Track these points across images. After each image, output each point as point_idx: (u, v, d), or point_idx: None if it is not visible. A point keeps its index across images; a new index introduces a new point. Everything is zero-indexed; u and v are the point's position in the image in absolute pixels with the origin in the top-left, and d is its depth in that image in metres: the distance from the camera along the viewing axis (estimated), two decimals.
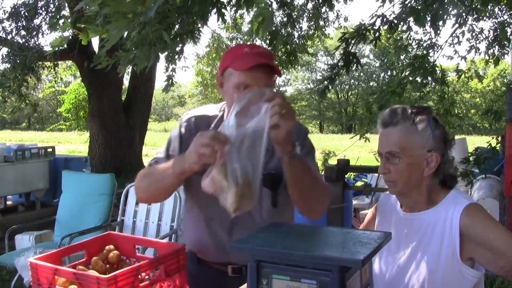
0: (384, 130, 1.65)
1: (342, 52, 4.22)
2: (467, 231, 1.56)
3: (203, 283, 1.90)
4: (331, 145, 22.64)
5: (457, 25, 4.75)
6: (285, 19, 6.53)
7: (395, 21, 4.12)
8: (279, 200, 1.80)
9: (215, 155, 1.45)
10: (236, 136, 1.42)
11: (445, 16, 3.92)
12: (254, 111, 1.43)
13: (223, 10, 2.45)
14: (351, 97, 49.01)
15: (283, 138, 1.49)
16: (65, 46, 9.00)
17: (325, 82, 4.31)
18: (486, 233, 1.53)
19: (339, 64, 4.23)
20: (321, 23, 10.34)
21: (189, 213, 1.98)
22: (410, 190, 1.65)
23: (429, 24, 3.74)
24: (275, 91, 1.53)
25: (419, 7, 3.47)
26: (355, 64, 4.11)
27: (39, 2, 8.88)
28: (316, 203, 1.78)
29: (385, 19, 4.08)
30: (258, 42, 11.06)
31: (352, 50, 4.25)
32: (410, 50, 7.41)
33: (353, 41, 4.20)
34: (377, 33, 4.20)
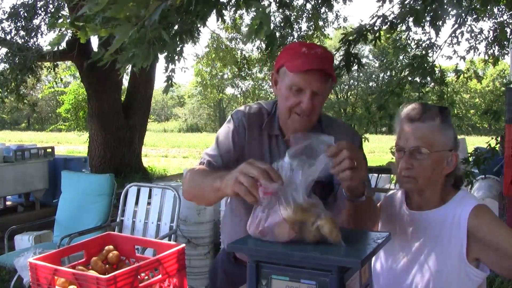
0: (410, 125, 1.64)
1: (343, 53, 4.21)
2: (475, 231, 1.56)
3: (238, 281, 1.89)
4: None
5: (456, 25, 4.76)
6: (282, 22, 6.54)
7: (395, 21, 4.11)
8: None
9: (253, 190, 1.30)
10: (289, 179, 1.28)
11: (444, 16, 3.92)
12: (308, 153, 1.32)
13: (222, 10, 2.45)
14: (350, 97, 49.00)
15: (356, 187, 1.46)
16: (65, 46, 9.02)
17: None
18: (493, 234, 1.54)
19: (340, 64, 4.22)
20: (321, 23, 10.35)
21: (233, 212, 1.95)
22: (427, 187, 1.65)
23: (428, 24, 3.74)
24: (340, 143, 1.38)
25: (418, 7, 3.48)
26: (356, 65, 4.09)
27: (38, 3, 8.88)
28: (369, 228, 1.71)
29: (386, 20, 4.08)
30: (257, 42, 11.09)
31: (353, 51, 4.24)
32: (409, 50, 7.41)
33: (354, 43, 4.19)
34: (377, 33, 4.19)
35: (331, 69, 1.67)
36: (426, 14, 3.42)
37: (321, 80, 1.65)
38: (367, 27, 4.13)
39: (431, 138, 1.61)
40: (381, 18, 4.08)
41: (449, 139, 1.63)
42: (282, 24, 7.00)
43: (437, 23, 3.69)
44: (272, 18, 8.83)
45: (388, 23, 4.08)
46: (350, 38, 4.12)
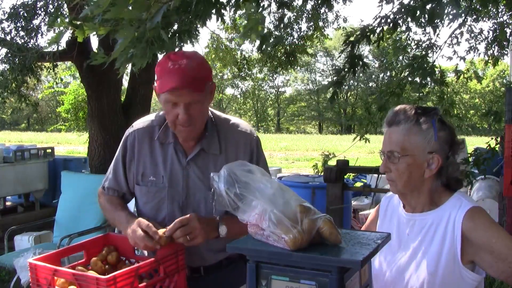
0: (388, 129, 1.64)
1: (347, 55, 4.19)
2: (469, 234, 1.55)
3: None
4: (330, 146, 22.68)
5: (456, 26, 4.76)
6: (277, 22, 6.53)
7: (396, 21, 4.11)
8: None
9: (147, 247, 1.67)
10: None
11: (442, 15, 3.91)
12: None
13: (222, 10, 2.44)
14: (350, 97, 49.05)
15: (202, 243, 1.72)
16: (64, 46, 9.02)
17: (331, 88, 4.28)
18: (488, 237, 1.53)
19: (345, 68, 4.20)
20: (320, 24, 10.34)
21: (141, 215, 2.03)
22: (411, 190, 1.64)
23: (428, 25, 3.73)
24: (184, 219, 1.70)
25: (416, 5, 3.47)
26: (361, 67, 4.08)
27: (38, 3, 8.88)
28: None
29: (388, 20, 4.07)
30: (257, 43, 11.09)
31: (357, 53, 4.22)
32: (409, 50, 7.41)
33: (359, 44, 4.17)
34: (381, 34, 4.18)
35: (196, 82, 1.71)
36: (424, 13, 3.41)
37: (189, 92, 1.71)
38: (370, 28, 4.12)
39: (404, 142, 1.59)
40: (384, 19, 4.07)
41: (427, 141, 1.58)
42: (275, 26, 6.99)
43: (435, 21, 3.68)
44: (272, 18, 8.83)
45: (391, 24, 4.06)
46: (352, 39, 4.11)
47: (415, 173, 1.60)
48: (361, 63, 4.07)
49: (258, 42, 2.62)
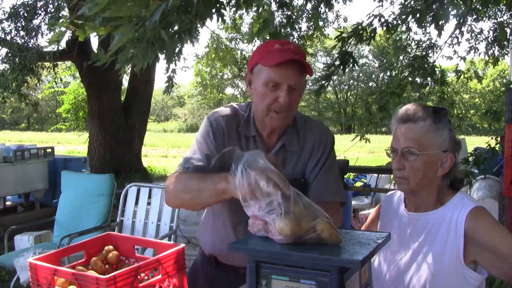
0: (403, 126, 1.63)
1: (338, 51, 4.23)
2: (472, 234, 1.55)
3: (222, 286, 1.87)
4: None
5: (457, 25, 4.75)
6: (284, 21, 6.53)
7: (394, 22, 4.11)
8: None
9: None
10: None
11: (448, 16, 3.92)
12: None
13: (222, 10, 2.45)
14: (350, 97, 48.99)
15: None
16: (65, 46, 9.02)
17: (322, 81, 4.30)
18: (490, 236, 1.53)
19: (335, 63, 4.22)
20: (321, 23, 10.35)
21: (214, 218, 1.92)
22: (422, 188, 1.64)
23: (430, 25, 3.74)
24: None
25: (419, 8, 3.47)
26: (351, 64, 4.10)
27: (38, 3, 8.88)
28: None
29: (382, 19, 4.07)
30: (257, 43, 11.09)
31: (349, 50, 4.24)
32: (409, 50, 7.41)
33: (350, 41, 4.19)
34: (372, 33, 4.19)
35: (304, 61, 1.68)
36: (428, 15, 3.41)
37: (296, 73, 1.66)
38: (364, 26, 4.13)
39: (422, 139, 1.60)
40: (378, 18, 4.08)
41: (443, 140, 1.61)
42: (283, 24, 6.99)
43: (440, 23, 3.68)
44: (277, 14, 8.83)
45: (385, 25, 4.07)
46: (344, 35, 4.13)
47: (430, 171, 1.61)
48: (351, 60, 4.08)
49: (261, 41, 2.62)
